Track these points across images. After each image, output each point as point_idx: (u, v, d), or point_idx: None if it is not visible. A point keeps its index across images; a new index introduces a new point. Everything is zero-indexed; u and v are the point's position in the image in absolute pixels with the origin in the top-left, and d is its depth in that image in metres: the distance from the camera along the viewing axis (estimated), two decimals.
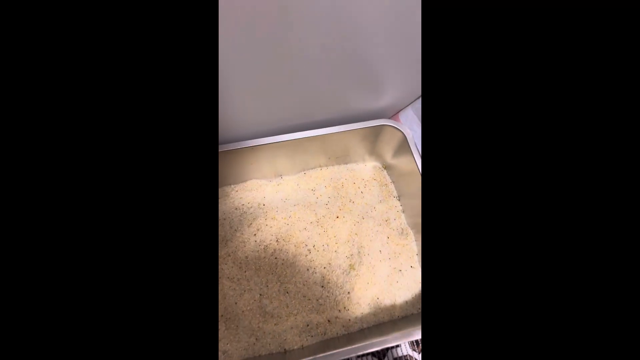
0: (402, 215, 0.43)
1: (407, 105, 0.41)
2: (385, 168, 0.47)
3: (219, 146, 0.39)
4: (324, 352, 0.30)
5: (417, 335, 0.31)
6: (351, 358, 0.36)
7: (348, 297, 0.37)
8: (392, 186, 0.45)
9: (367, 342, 0.30)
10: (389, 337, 0.31)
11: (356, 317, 0.37)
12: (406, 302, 0.38)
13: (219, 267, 0.38)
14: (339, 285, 0.38)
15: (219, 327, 0.35)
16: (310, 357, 0.29)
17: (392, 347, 0.37)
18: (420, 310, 0.37)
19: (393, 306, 0.38)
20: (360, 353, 0.30)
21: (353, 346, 0.30)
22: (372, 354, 0.37)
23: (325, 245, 0.40)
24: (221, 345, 0.35)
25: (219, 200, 0.43)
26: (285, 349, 0.34)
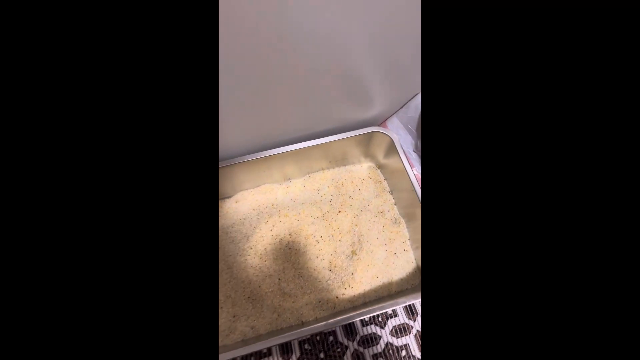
0: (395, 207, 0.51)
1: (392, 115, 0.49)
2: (378, 167, 0.54)
3: (237, 158, 0.46)
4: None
5: (409, 302, 0.38)
6: (356, 323, 0.43)
7: (352, 278, 0.45)
8: (385, 183, 0.53)
9: (369, 309, 0.37)
10: (386, 304, 0.38)
11: (359, 294, 0.44)
12: (401, 279, 0.45)
13: (244, 258, 0.46)
14: (344, 268, 0.45)
15: (248, 306, 0.43)
16: (323, 322, 0.37)
17: (392, 317, 0.45)
18: (412, 285, 0.44)
19: (390, 283, 0.45)
20: (363, 317, 0.37)
21: (357, 312, 0.37)
22: (376, 323, 0.44)
23: (331, 236, 0.48)
24: (250, 322, 0.42)
25: (239, 203, 0.51)
26: (302, 321, 0.42)
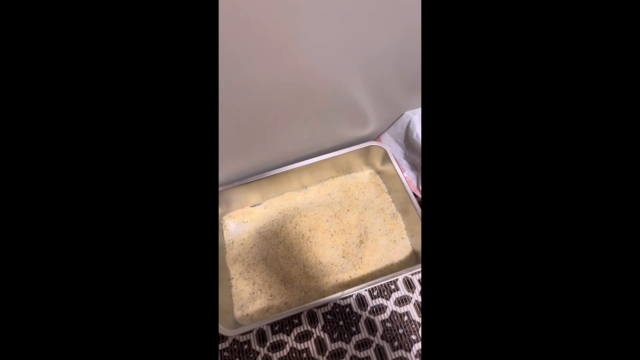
0: (392, 205, 0.63)
1: (384, 131, 0.61)
2: (377, 173, 0.66)
3: (264, 173, 0.59)
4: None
5: (406, 274, 0.50)
6: (366, 297, 0.55)
7: (361, 261, 0.57)
8: (383, 185, 0.65)
9: (375, 280, 0.49)
10: (389, 276, 0.50)
11: (368, 274, 0.56)
12: (400, 261, 0.57)
13: (275, 251, 0.58)
14: (354, 254, 0.57)
15: (281, 288, 0.55)
16: (339, 293, 0.49)
17: (394, 291, 0.56)
18: (409, 265, 0.56)
19: (392, 264, 0.57)
20: (373, 286, 0.49)
21: (365, 283, 0.49)
22: (382, 296, 0.56)
23: (342, 230, 0.60)
24: (283, 299, 0.54)
25: (267, 208, 0.63)
26: (324, 296, 0.54)
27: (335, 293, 0.54)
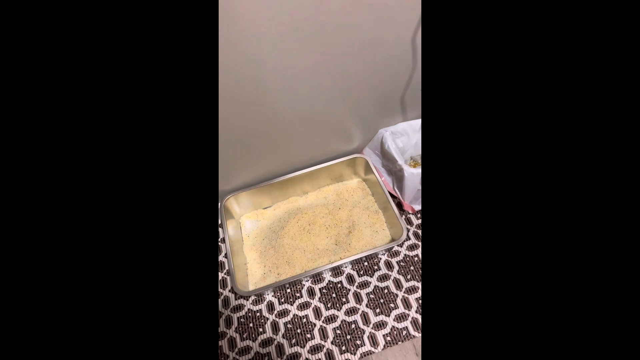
0: (375, 204, 0.78)
1: (366, 146, 0.79)
2: (364, 181, 0.83)
3: (272, 180, 0.76)
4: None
5: (383, 250, 0.64)
6: (353, 275, 0.69)
7: (349, 246, 0.71)
8: (368, 190, 0.81)
9: (360, 254, 0.64)
10: (369, 250, 0.64)
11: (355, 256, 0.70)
12: (380, 246, 0.71)
13: (282, 240, 0.73)
14: (344, 241, 0.72)
15: (286, 267, 0.69)
16: (329, 264, 0.63)
17: (377, 270, 0.70)
18: (387, 250, 0.70)
19: (374, 249, 0.71)
20: (360, 257, 0.63)
21: (351, 256, 0.64)
22: (367, 274, 0.69)
23: (335, 224, 0.75)
24: (290, 272, 0.68)
25: (275, 210, 0.80)
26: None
27: (329, 272, 0.68)
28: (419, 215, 0.76)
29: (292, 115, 0.63)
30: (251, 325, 0.66)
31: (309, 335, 0.63)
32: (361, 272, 0.70)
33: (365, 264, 0.71)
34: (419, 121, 0.74)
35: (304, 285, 0.69)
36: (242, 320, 0.66)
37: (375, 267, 0.70)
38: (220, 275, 0.73)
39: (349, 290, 0.68)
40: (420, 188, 0.69)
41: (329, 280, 0.69)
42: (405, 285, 0.67)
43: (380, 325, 0.63)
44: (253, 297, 0.68)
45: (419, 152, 0.78)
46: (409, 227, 0.75)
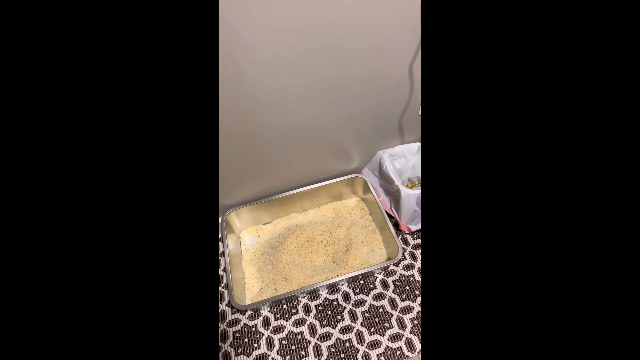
0: (373, 223, 0.80)
1: (365, 166, 0.82)
2: (362, 200, 0.85)
3: (273, 196, 0.78)
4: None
5: (379, 269, 0.65)
6: (349, 292, 0.69)
7: (346, 264, 0.72)
8: (366, 209, 0.83)
9: (356, 272, 0.65)
10: (365, 268, 0.65)
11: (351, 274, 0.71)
12: (377, 265, 0.73)
13: (280, 256, 0.74)
14: (342, 259, 0.73)
15: (284, 283, 0.70)
16: (325, 281, 0.64)
17: (373, 289, 0.71)
18: (383, 269, 0.71)
19: (371, 267, 0.72)
20: (350, 276, 0.64)
21: (349, 274, 0.65)
22: (363, 292, 0.70)
23: (333, 242, 0.76)
24: (287, 288, 0.69)
25: (275, 226, 0.81)
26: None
27: (325, 289, 0.69)
28: (415, 236, 0.77)
29: (294, 135, 0.66)
30: (246, 340, 0.66)
31: (303, 353, 0.64)
32: (357, 290, 0.71)
33: (362, 282, 0.72)
34: (417, 144, 0.77)
35: (300, 301, 0.70)
36: (237, 334, 0.67)
37: (371, 286, 0.71)
38: (219, 288, 0.74)
39: (345, 308, 0.69)
40: (417, 209, 0.71)
41: (325, 297, 0.70)
42: (401, 305, 0.68)
43: (374, 344, 0.64)
44: (249, 312, 0.69)
45: (416, 173, 0.81)
46: (405, 247, 0.76)
